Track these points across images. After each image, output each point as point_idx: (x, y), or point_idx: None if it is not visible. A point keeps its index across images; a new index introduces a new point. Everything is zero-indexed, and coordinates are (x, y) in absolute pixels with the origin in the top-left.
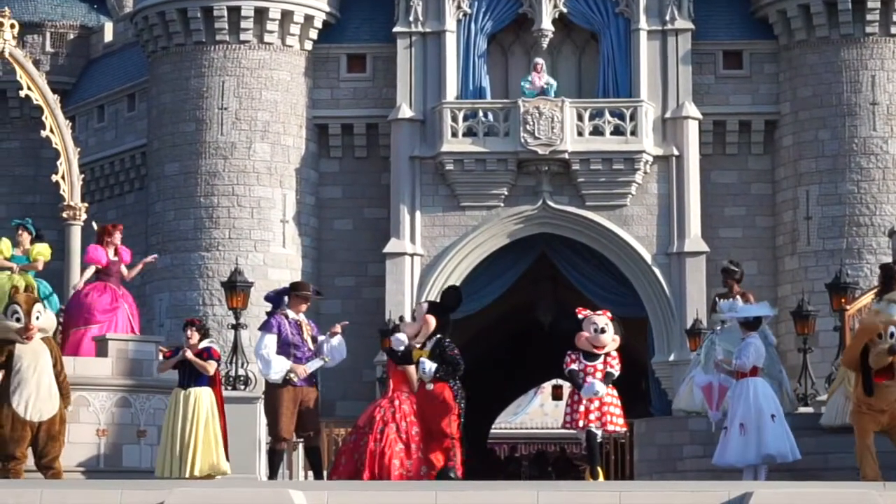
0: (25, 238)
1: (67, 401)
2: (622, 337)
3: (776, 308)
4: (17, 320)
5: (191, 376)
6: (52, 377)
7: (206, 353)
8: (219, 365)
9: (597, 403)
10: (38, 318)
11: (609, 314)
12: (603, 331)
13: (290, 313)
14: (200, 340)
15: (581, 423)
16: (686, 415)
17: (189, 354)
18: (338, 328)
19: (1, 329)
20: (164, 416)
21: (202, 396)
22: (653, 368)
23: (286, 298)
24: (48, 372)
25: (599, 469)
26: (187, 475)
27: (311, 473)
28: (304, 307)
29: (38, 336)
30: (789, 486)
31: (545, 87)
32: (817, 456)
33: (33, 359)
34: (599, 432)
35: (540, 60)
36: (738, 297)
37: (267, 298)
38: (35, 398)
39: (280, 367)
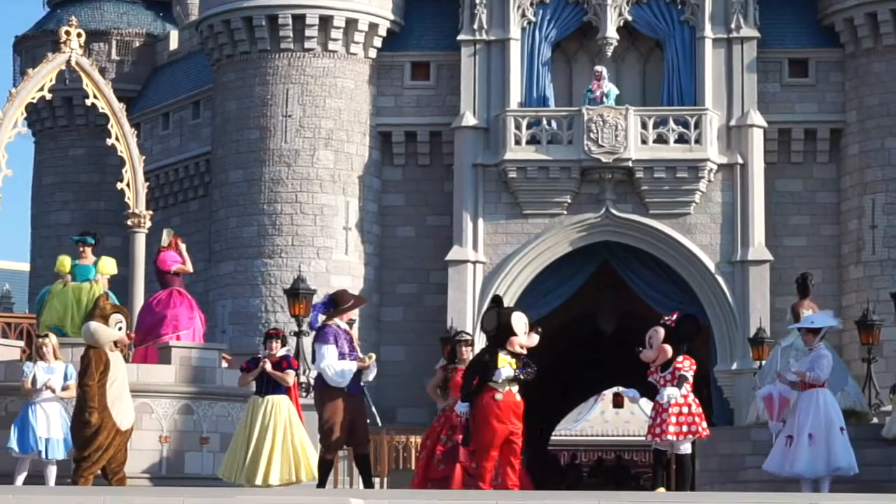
0: (88, 252)
1: None
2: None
3: (839, 318)
4: (120, 329)
5: (269, 384)
6: (128, 386)
7: (286, 363)
8: (297, 374)
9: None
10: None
11: (667, 319)
12: (648, 346)
13: (341, 323)
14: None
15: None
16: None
17: (268, 367)
18: (367, 361)
19: (104, 337)
20: (241, 422)
21: (280, 404)
22: (715, 377)
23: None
24: (127, 381)
25: (661, 488)
26: (260, 482)
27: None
28: (347, 317)
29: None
30: (855, 498)
31: (604, 95)
32: (881, 468)
33: (123, 369)
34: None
35: (600, 68)
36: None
37: (316, 308)
38: (128, 408)
39: (350, 371)
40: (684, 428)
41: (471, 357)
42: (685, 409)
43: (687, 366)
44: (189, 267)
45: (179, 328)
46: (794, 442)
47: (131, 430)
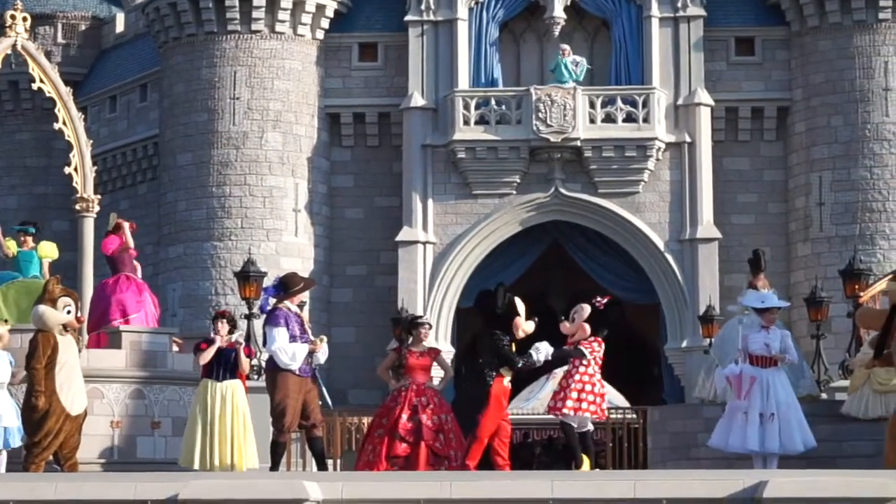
0: (29, 241)
1: None
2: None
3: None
4: (68, 312)
5: (225, 369)
6: (80, 371)
7: (248, 350)
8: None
9: (576, 391)
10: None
11: (597, 301)
12: (571, 319)
13: (291, 306)
14: (229, 332)
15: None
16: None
17: (242, 352)
18: (319, 344)
19: (52, 320)
20: (195, 407)
21: (238, 390)
22: (665, 355)
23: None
24: (79, 366)
25: (585, 458)
26: (230, 467)
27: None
28: (298, 299)
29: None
30: (805, 474)
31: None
32: (832, 443)
33: (73, 353)
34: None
35: (566, 46)
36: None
37: (267, 292)
38: (79, 393)
39: (302, 353)
40: (583, 405)
41: (428, 340)
42: (588, 388)
43: (594, 346)
44: (129, 243)
45: (128, 312)
46: (761, 420)
47: (84, 415)
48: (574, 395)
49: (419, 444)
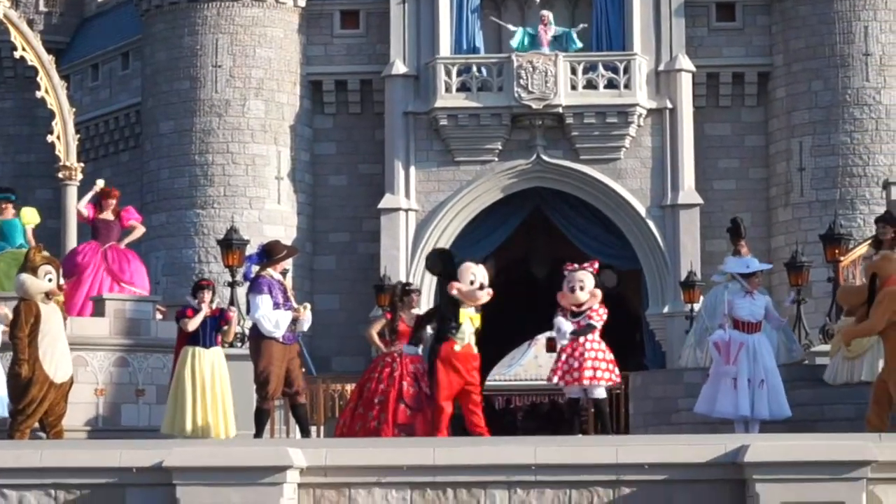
0: (9, 208)
1: None
2: (606, 287)
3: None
4: (50, 281)
5: (210, 337)
6: (65, 338)
7: (230, 316)
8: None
9: (590, 360)
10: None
11: (595, 265)
12: (575, 289)
13: (274, 273)
14: (210, 301)
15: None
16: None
17: (232, 315)
18: (302, 311)
19: (33, 288)
20: (181, 373)
21: (222, 358)
22: (647, 321)
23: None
24: (64, 334)
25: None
26: (221, 435)
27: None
28: (281, 267)
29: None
30: (785, 438)
31: (553, 38)
32: (813, 407)
33: (57, 321)
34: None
35: (546, 13)
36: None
37: (250, 259)
38: (63, 361)
39: (285, 321)
40: (598, 374)
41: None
42: (600, 355)
43: (602, 313)
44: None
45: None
46: (749, 385)
47: (69, 383)
48: (589, 364)
49: (423, 412)
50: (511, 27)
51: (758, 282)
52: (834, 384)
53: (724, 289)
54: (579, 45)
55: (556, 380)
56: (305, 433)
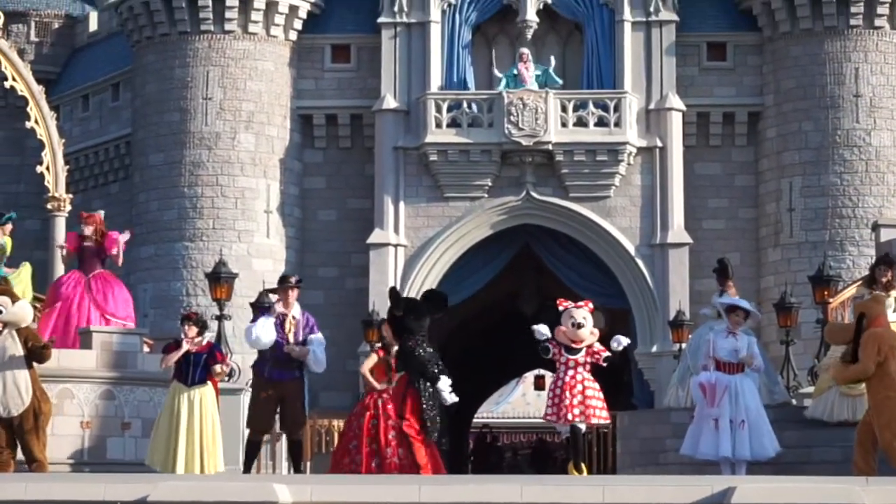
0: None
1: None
2: (603, 329)
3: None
4: (1, 313)
5: (195, 373)
6: (18, 372)
7: (221, 355)
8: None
9: (579, 398)
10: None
11: (591, 305)
12: (581, 325)
13: (278, 308)
14: (198, 334)
15: (568, 418)
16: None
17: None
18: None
19: None
20: (166, 410)
21: (207, 396)
22: (635, 360)
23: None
24: (14, 367)
25: (584, 465)
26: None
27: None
28: (288, 299)
29: (5, 331)
30: (772, 480)
31: (534, 76)
32: (800, 450)
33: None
34: (583, 426)
35: (525, 50)
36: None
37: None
38: (2, 394)
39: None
40: (589, 411)
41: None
42: (588, 392)
43: (604, 355)
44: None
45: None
46: (731, 426)
47: (29, 417)
48: (577, 400)
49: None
50: (498, 73)
51: (738, 320)
52: (830, 421)
53: (708, 328)
54: (559, 81)
55: (553, 420)
56: (297, 469)
